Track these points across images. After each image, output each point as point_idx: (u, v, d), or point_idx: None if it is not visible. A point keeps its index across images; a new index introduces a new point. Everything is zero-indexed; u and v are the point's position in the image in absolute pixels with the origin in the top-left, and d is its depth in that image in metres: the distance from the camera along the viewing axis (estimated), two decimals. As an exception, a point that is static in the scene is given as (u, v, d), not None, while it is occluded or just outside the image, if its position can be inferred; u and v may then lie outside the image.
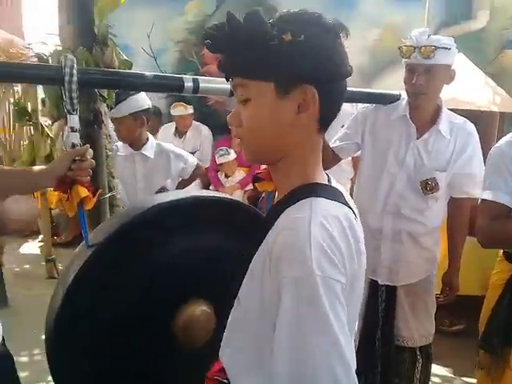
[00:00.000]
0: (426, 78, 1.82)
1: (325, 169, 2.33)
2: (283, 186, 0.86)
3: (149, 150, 2.38)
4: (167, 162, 2.43)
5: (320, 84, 0.79)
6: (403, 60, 1.89)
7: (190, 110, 4.25)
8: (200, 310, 1.34)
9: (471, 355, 1.63)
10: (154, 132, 4.66)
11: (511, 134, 1.60)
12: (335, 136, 2.15)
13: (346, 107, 2.46)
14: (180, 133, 4.35)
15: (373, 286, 2.06)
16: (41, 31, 7.44)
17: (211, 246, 1.37)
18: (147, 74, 1.40)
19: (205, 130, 4.38)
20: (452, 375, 2.20)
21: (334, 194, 0.83)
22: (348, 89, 0.86)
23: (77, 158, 1.22)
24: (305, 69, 0.77)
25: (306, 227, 0.73)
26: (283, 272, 0.73)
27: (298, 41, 0.75)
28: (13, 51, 3.10)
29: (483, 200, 1.58)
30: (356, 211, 0.88)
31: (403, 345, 2.07)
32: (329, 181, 0.88)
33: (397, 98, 1.98)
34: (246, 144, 0.87)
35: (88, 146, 1.25)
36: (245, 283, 0.86)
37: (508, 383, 1.53)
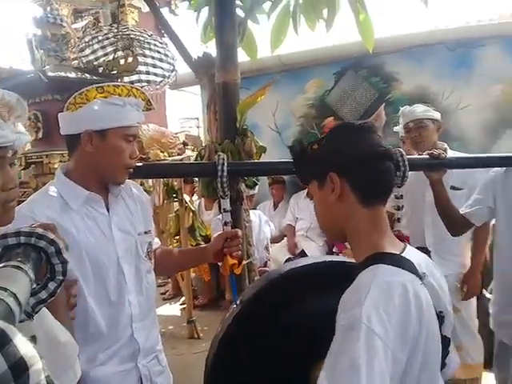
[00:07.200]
0: None
1: (455, 234, 2.46)
2: (357, 257, 1.00)
3: None
4: None
5: (344, 169, 0.99)
6: None
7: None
8: None
9: None
10: (279, 199, 5.08)
11: None
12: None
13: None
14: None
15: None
16: (178, 120, 8.60)
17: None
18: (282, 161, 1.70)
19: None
20: None
21: (399, 262, 0.92)
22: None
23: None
24: (326, 164, 1.01)
25: (366, 288, 0.84)
26: (339, 321, 0.83)
27: (321, 146, 1.03)
28: (164, 141, 3.68)
29: None
30: (428, 279, 0.96)
31: None
32: (404, 250, 0.99)
33: None
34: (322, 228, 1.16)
35: (238, 229, 1.56)
36: None
37: None
